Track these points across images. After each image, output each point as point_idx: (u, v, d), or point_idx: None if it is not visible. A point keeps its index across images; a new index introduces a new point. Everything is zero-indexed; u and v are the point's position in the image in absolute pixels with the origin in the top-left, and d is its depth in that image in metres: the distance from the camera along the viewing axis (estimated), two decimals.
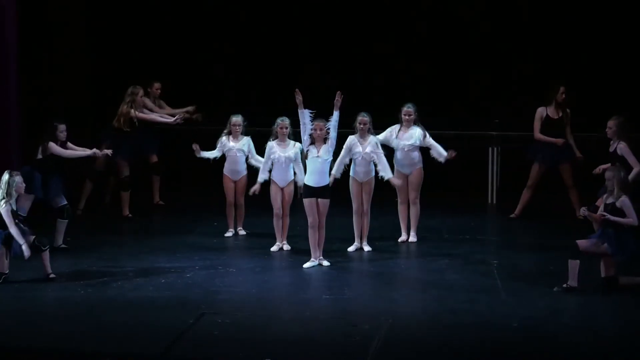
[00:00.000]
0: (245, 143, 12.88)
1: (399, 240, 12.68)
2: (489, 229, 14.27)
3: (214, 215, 13.78)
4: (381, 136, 12.38)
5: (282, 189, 12.18)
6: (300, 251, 11.99)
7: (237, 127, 12.85)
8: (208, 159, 12.90)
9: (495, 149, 15.36)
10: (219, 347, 8.83)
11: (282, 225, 12.26)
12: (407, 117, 12.44)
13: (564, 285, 10.38)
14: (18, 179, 10.76)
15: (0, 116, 12.97)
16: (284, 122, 12.13)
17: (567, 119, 13.81)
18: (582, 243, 10.42)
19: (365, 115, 12.08)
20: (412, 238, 12.68)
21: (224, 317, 9.56)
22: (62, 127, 12.08)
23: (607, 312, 9.77)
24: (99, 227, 13.22)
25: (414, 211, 12.64)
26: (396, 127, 12.52)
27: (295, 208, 12.51)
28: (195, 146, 12.79)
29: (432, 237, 12.92)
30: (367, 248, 12.25)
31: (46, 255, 10.77)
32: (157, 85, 14.92)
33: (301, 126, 11.57)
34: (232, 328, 9.25)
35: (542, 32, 15.87)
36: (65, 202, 12.08)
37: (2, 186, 10.68)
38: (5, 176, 10.74)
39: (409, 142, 12.45)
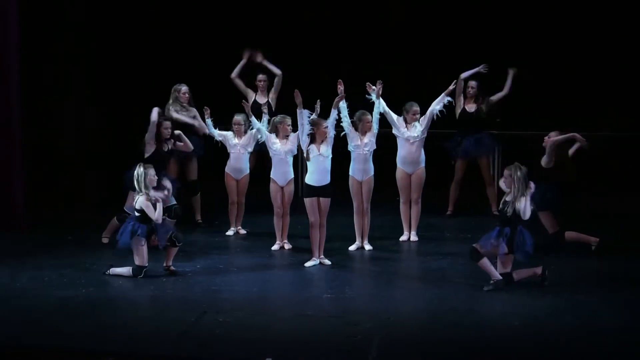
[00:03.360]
0: (248, 137, 12.89)
1: (400, 239, 12.69)
2: (490, 228, 14.21)
3: (215, 214, 13.79)
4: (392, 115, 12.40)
5: (282, 187, 12.19)
6: (301, 250, 12.00)
7: (239, 126, 12.86)
8: (206, 135, 12.98)
9: (496, 148, 15.33)
10: (220, 346, 8.83)
11: (283, 224, 12.28)
12: (416, 116, 12.42)
13: (491, 282, 10.39)
14: (150, 171, 10.99)
15: (2, 115, 12.96)
16: (284, 119, 12.17)
17: (483, 113, 14.06)
18: (480, 246, 10.46)
19: (367, 114, 12.10)
20: (413, 237, 12.69)
21: (225, 316, 9.57)
22: (167, 123, 12.27)
23: (608, 311, 9.76)
24: (100, 226, 13.19)
25: (416, 210, 12.65)
26: (402, 119, 12.46)
27: (296, 207, 12.52)
28: (206, 110, 12.80)
29: (433, 236, 12.93)
30: (368, 247, 12.26)
31: (174, 250, 11.10)
32: (261, 77, 14.36)
33: (299, 127, 11.60)
34: (234, 327, 9.26)
35: (540, 31, 15.89)
36: (175, 203, 12.17)
37: (138, 179, 10.94)
38: (140, 169, 10.98)
39: (414, 134, 12.41)
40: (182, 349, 8.74)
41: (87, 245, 12.37)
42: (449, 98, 12.37)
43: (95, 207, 14.42)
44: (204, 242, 12.69)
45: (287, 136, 12.10)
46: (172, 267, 11.12)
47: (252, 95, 14.33)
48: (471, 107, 14.12)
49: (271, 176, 12.18)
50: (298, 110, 11.50)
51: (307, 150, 11.54)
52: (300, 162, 13.46)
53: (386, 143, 12.52)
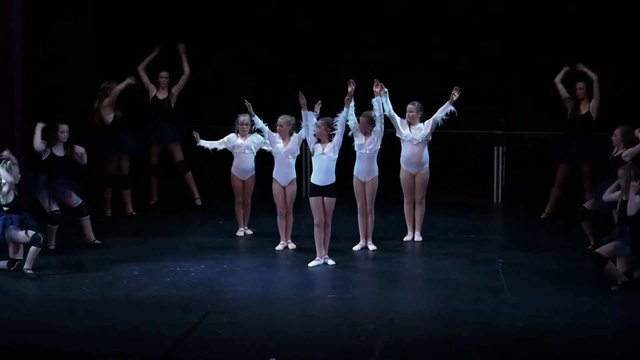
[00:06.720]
0: (254, 140, 12.85)
1: (404, 239, 12.68)
2: (494, 228, 14.27)
3: (219, 214, 13.79)
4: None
5: (283, 187, 12.19)
6: (305, 250, 11.99)
7: (245, 126, 12.80)
8: (208, 150, 12.88)
9: (500, 148, 15.33)
10: (224, 346, 8.83)
11: (286, 224, 12.27)
12: (410, 114, 12.42)
13: (618, 283, 10.38)
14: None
15: (4, 112, 12.92)
16: (284, 119, 12.16)
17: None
18: (603, 250, 10.39)
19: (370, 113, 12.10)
20: (417, 237, 12.69)
21: (229, 316, 9.57)
22: (64, 127, 11.98)
23: (612, 312, 9.76)
24: (103, 226, 13.20)
25: (420, 211, 12.64)
26: (405, 122, 12.46)
27: (300, 207, 12.51)
28: (195, 134, 12.82)
29: (437, 237, 12.91)
30: (372, 247, 12.25)
31: (35, 251, 10.88)
32: (163, 74, 14.75)
33: (303, 127, 11.57)
34: (237, 327, 9.26)
35: (545, 30, 15.87)
36: (80, 200, 12.11)
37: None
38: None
39: (419, 135, 12.39)
40: (186, 350, 8.74)
41: (89, 245, 12.35)
42: (452, 107, 12.27)
43: (97, 207, 14.41)
44: (207, 242, 12.68)
45: (288, 136, 12.09)
46: (29, 271, 10.88)
47: (153, 90, 14.74)
48: (583, 109, 13.50)
49: (273, 176, 12.18)
50: (303, 112, 11.48)
51: (313, 148, 11.54)
52: (304, 162, 13.45)
53: (391, 144, 12.51)
